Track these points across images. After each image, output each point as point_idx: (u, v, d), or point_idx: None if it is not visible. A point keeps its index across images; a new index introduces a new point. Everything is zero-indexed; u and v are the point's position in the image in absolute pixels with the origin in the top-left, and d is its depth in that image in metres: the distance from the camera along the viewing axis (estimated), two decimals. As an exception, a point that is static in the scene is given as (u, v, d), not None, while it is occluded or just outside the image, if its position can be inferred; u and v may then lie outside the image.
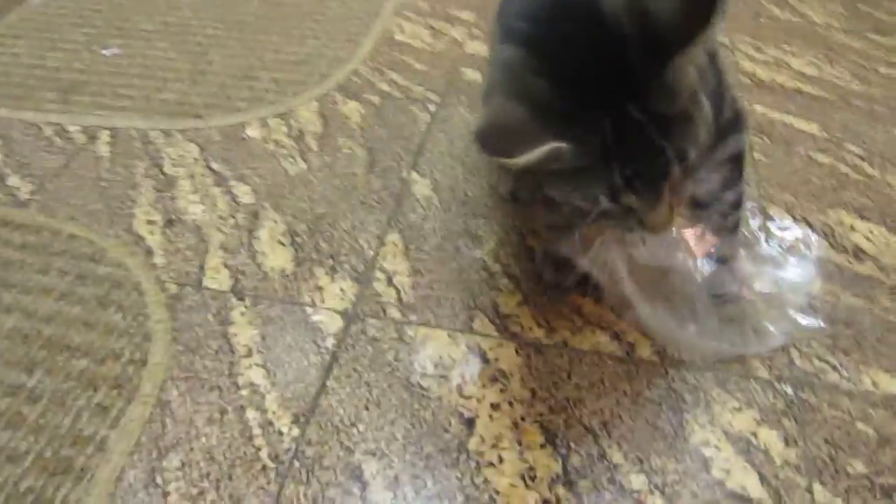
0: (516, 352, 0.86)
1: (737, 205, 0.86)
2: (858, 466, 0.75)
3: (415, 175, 1.09)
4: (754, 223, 0.99)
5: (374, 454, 0.76)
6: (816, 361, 0.85)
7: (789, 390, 0.82)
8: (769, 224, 1.00)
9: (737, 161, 0.83)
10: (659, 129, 0.62)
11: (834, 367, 0.85)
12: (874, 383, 0.83)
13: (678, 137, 0.63)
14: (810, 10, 1.58)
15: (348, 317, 0.89)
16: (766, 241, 0.98)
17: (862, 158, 1.14)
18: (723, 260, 0.89)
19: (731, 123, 0.80)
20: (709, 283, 0.87)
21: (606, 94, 0.61)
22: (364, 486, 0.74)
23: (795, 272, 0.95)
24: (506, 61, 0.68)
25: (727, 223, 0.87)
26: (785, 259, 0.96)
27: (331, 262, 0.96)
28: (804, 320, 0.89)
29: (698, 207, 0.83)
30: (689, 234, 0.86)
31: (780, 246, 0.98)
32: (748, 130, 0.84)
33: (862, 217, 1.05)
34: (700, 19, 0.58)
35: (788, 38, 1.46)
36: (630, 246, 0.80)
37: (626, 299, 0.83)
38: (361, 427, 0.78)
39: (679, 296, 0.83)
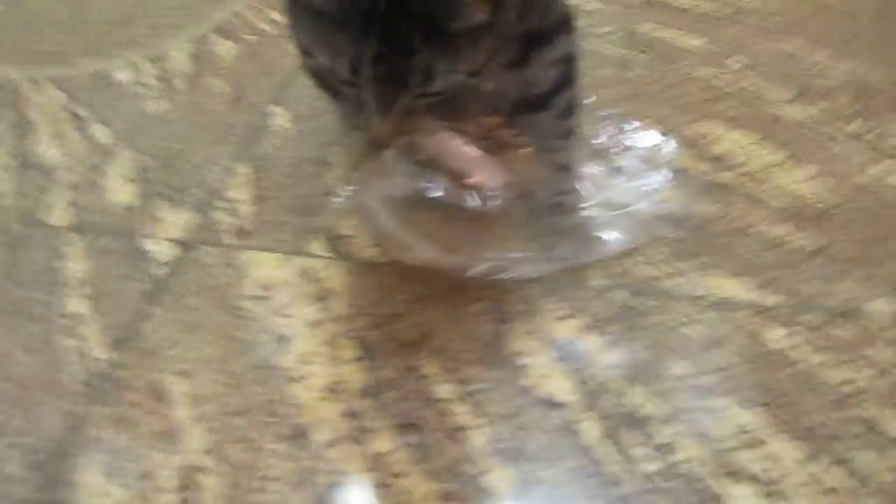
0: (348, 271, 0.84)
1: (569, 111, 0.83)
2: (677, 369, 0.73)
3: (277, 108, 1.07)
4: (607, 132, 0.96)
5: (183, 374, 0.75)
6: (656, 268, 0.83)
7: (622, 297, 0.80)
8: (624, 134, 0.97)
9: (567, 63, 0.80)
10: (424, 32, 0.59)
11: (673, 273, 0.82)
12: (711, 287, 0.80)
13: (443, 50, 0.60)
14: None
15: (183, 245, 0.88)
16: (619, 150, 0.95)
17: (745, 69, 1.11)
18: (563, 168, 0.86)
19: (558, 26, 0.78)
20: (546, 192, 0.85)
21: None
22: (169, 404, 0.73)
23: (649, 180, 0.92)
24: None
25: (560, 129, 0.84)
26: (639, 168, 0.93)
27: (177, 195, 0.94)
28: (651, 228, 0.86)
29: (528, 110, 0.81)
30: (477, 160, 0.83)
31: (634, 156, 0.95)
32: (576, 32, 0.80)
33: (735, 127, 1.01)
34: None
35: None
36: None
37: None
38: (177, 350, 0.77)
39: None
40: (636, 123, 0.98)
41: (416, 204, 0.83)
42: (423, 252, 0.81)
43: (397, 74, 0.60)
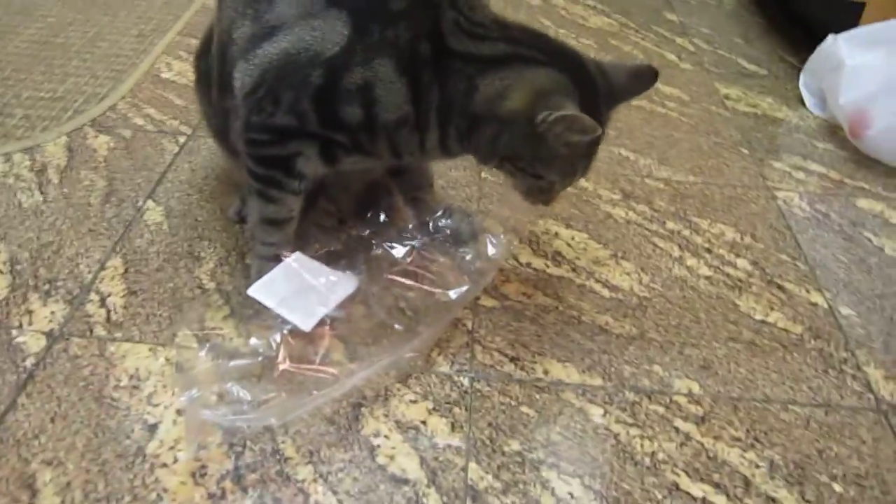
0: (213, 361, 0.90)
1: None
2: (514, 445, 0.83)
3: (150, 203, 1.12)
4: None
5: (50, 463, 0.78)
6: (497, 355, 0.93)
7: (466, 381, 0.89)
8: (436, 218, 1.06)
9: None
10: None
11: (512, 359, 0.93)
12: (545, 371, 0.91)
13: None
14: None
15: (52, 337, 0.91)
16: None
17: (580, 175, 1.26)
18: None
19: None
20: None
21: None
22: (34, 493, 0.75)
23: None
24: None
25: None
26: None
27: (47, 286, 0.98)
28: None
29: None
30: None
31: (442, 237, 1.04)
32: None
33: (569, 226, 1.15)
34: None
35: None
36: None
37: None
38: (43, 439, 0.80)
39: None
40: (494, 227, 1.10)
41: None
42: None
43: None
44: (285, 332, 0.87)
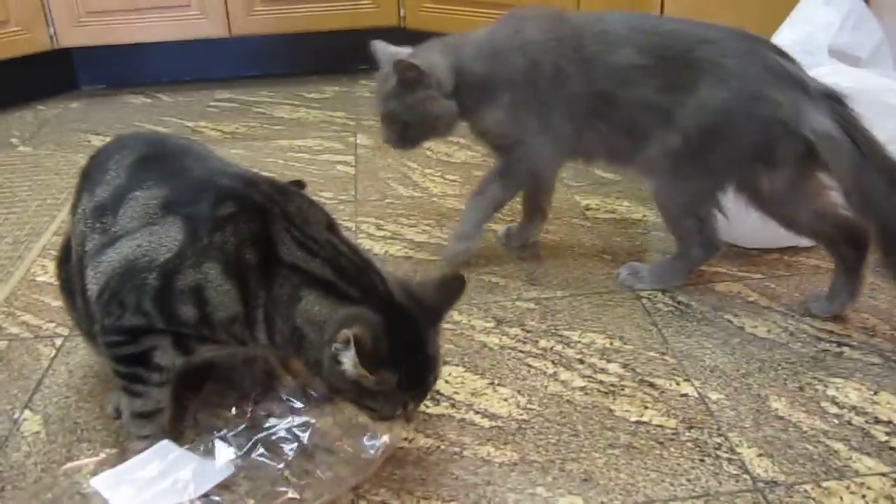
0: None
1: None
2: None
3: (27, 413, 1.12)
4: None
5: None
6: (384, 505, 0.94)
7: (353, 541, 0.90)
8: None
9: None
10: None
11: (398, 508, 0.94)
12: (430, 513, 0.93)
13: None
14: (430, 184, 1.82)
15: (-76, 577, 0.88)
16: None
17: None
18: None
19: None
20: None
21: None
22: None
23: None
24: None
25: None
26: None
27: (-82, 520, 0.95)
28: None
29: None
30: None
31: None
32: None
33: (445, 362, 1.19)
34: None
35: (407, 212, 1.67)
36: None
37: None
38: None
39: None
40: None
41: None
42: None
43: None
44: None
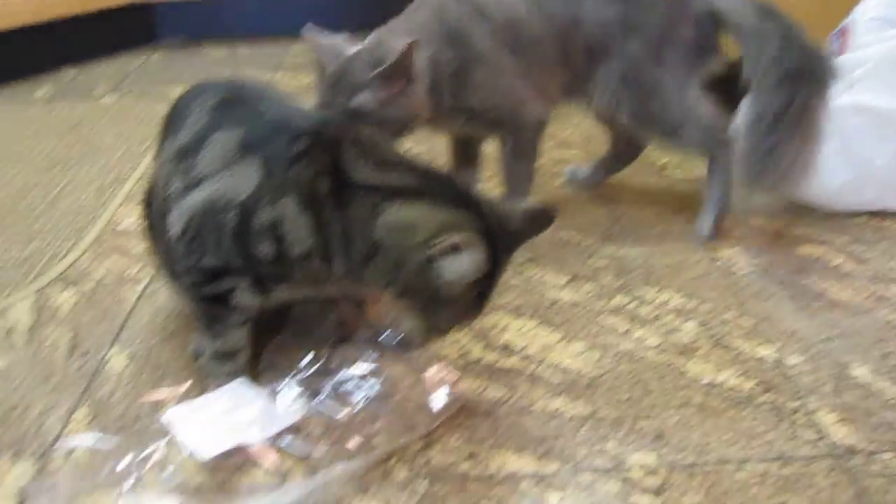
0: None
1: None
2: (474, 543, 0.84)
3: (114, 350, 1.16)
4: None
5: None
6: (453, 454, 0.95)
7: (424, 486, 0.91)
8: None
9: None
10: None
11: (468, 457, 0.95)
12: (500, 465, 0.93)
13: None
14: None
15: (22, 497, 0.94)
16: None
17: (527, 262, 1.30)
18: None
19: None
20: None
21: None
22: None
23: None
24: None
25: None
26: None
27: (14, 449, 1.00)
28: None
29: None
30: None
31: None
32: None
33: (518, 315, 1.19)
34: None
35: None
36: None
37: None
38: None
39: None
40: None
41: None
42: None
43: None
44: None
